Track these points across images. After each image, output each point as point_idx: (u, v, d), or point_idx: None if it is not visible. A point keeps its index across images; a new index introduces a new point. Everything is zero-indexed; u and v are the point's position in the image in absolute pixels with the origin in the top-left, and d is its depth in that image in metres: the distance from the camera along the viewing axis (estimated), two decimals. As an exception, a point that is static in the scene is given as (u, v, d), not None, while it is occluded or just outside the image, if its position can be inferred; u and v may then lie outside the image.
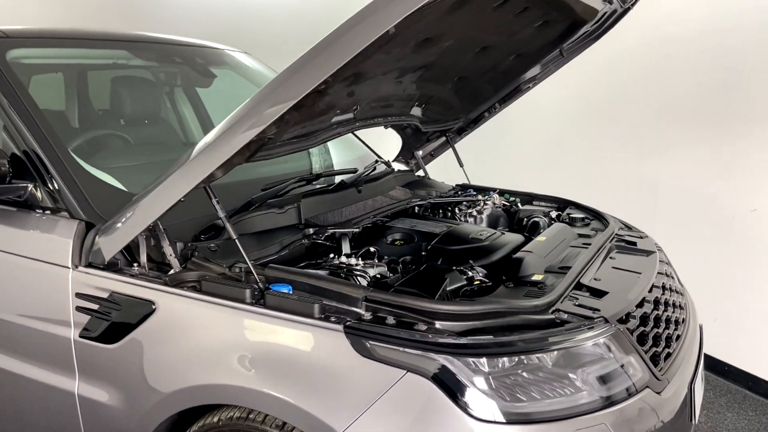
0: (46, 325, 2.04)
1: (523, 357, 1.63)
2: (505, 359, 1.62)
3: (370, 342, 1.63)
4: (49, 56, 2.66)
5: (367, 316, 1.72)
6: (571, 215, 2.84)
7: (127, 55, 2.75)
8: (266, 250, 2.11)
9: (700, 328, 2.40)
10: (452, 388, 1.57)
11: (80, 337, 1.97)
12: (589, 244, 2.39)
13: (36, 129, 2.15)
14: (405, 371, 1.59)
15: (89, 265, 1.98)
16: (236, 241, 1.89)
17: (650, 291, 2.12)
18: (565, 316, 1.77)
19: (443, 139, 3.43)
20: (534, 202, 3.16)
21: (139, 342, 1.88)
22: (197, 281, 1.87)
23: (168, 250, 1.95)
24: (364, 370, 1.62)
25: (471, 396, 1.57)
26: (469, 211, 2.94)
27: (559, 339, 1.68)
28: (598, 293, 1.97)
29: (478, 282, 2.03)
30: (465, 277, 2.04)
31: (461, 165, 3.42)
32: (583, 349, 1.70)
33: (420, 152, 3.50)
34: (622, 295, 1.96)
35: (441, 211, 3.02)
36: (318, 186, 2.61)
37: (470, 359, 1.60)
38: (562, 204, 3.08)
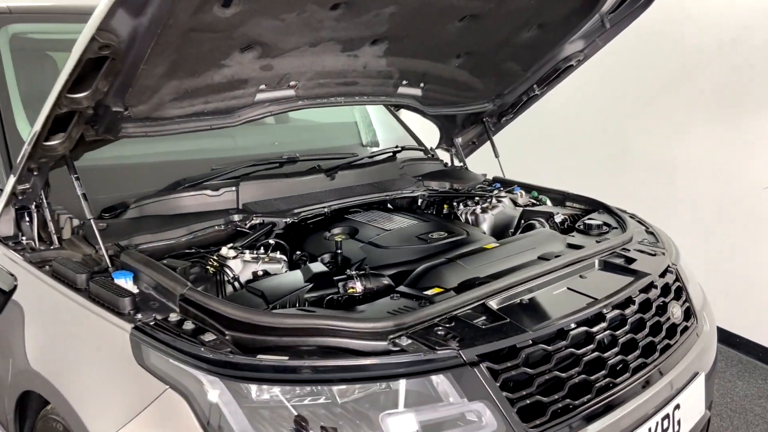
0: None
1: (315, 388, 1.32)
2: (286, 388, 1.32)
3: (150, 349, 1.42)
4: (60, 32, 2.73)
5: (174, 317, 1.50)
6: (587, 221, 2.32)
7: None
8: (164, 234, 1.96)
9: (693, 376, 1.82)
10: (207, 415, 1.30)
11: None
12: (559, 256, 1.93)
13: None
14: (167, 386, 1.36)
15: (-10, 236, 1.99)
16: (91, 221, 1.77)
17: (589, 325, 1.64)
18: (407, 343, 1.41)
19: (482, 126, 3.02)
20: (567, 203, 2.66)
21: (10, 315, 1.84)
22: (51, 261, 1.79)
23: (49, 225, 1.89)
24: (136, 378, 1.42)
25: (227, 429, 1.29)
26: (473, 209, 2.54)
27: (367, 371, 1.34)
28: (498, 319, 1.56)
29: (352, 290, 1.71)
30: (341, 283, 1.73)
31: (497, 156, 3.00)
32: (399, 386, 1.34)
33: (459, 139, 3.12)
34: (526, 326, 1.53)
35: (446, 206, 2.66)
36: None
37: (240, 383, 1.32)
38: (593, 206, 2.54)
